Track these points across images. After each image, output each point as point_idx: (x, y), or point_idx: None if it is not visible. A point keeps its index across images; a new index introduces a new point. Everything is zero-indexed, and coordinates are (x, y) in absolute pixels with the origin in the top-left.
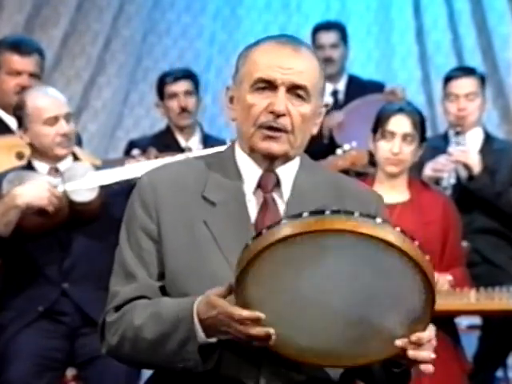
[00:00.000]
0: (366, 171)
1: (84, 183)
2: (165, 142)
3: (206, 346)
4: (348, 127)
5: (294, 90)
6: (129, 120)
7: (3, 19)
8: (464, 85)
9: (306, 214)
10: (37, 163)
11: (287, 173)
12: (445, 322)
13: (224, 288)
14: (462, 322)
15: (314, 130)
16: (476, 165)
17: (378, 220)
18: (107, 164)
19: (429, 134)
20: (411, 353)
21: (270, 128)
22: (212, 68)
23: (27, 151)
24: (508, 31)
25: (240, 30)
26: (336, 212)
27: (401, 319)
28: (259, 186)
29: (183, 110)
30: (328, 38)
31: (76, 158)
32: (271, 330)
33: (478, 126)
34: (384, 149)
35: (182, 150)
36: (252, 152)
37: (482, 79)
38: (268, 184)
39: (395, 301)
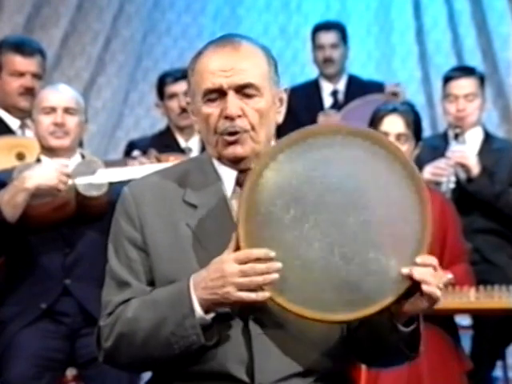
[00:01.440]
0: None
1: (93, 179)
2: (165, 143)
3: (202, 325)
4: None
5: (242, 89)
6: (129, 120)
7: (3, 19)
8: (463, 85)
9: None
10: (45, 160)
11: None
12: (445, 321)
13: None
14: (462, 321)
15: (280, 119)
16: (475, 166)
17: None
18: (108, 165)
19: (429, 133)
20: (418, 275)
21: (230, 133)
22: None
23: (27, 151)
24: (508, 31)
25: (240, 30)
26: None
27: (400, 255)
28: (237, 183)
29: (183, 110)
30: (328, 38)
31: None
32: (278, 264)
33: (478, 126)
34: None
35: (181, 151)
36: (220, 159)
37: (482, 79)
38: None
39: (392, 228)
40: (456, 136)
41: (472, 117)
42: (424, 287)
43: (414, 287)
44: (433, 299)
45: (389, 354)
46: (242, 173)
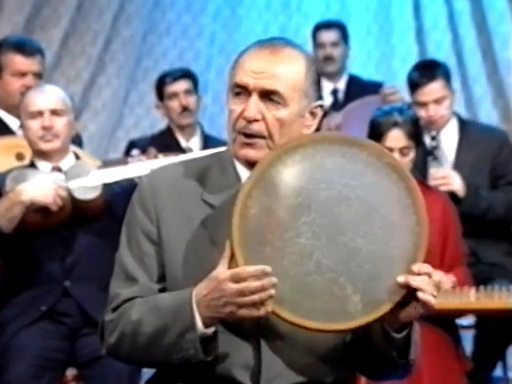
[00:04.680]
0: None
1: (87, 181)
2: (165, 142)
3: (204, 338)
4: (346, 129)
5: (267, 94)
6: (129, 120)
7: (3, 19)
8: (431, 91)
9: None
10: (39, 162)
11: None
12: (445, 321)
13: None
14: (462, 321)
15: (308, 132)
16: (459, 190)
17: None
18: (107, 164)
19: None
20: (414, 283)
21: (245, 134)
22: (212, 68)
23: (27, 152)
24: (508, 31)
25: (240, 29)
26: None
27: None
28: None
29: (184, 108)
30: (329, 36)
31: (78, 158)
32: (274, 279)
33: (452, 119)
34: None
35: (182, 150)
36: (236, 158)
37: (447, 75)
38: None
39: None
40: (432, 150)
41: (444, 117)
42: (420, 294)
43: (408, 296)
44: (427, 306)
45: (382, 363)
46: None
